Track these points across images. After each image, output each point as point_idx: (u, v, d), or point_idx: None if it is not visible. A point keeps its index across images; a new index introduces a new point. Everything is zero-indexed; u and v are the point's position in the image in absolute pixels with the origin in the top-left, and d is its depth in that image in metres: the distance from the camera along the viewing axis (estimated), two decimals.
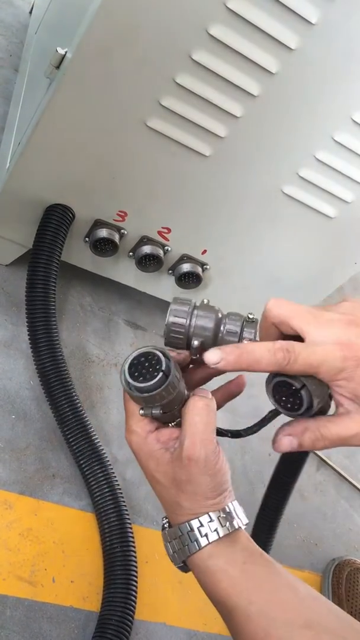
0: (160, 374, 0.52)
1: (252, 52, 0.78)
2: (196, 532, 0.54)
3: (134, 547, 0.89)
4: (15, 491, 0.88)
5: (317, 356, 0.52)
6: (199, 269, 1.12)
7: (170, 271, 1.13)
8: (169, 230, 1.05)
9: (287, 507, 1.17)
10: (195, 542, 0.54)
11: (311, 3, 0.74)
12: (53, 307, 0.99)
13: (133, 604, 0.84)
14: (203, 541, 0.54)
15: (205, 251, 1.10)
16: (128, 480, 1.01)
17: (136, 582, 0.86)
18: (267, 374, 0.56)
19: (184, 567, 0.57)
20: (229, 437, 0.62)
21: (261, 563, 0.54)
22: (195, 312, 0.59)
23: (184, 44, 0.77)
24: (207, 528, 0.54)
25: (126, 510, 0.91)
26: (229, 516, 0.55)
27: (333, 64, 0.80)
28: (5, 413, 0.95)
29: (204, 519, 0.54)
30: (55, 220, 0.98)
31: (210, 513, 0.55)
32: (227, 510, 0.55)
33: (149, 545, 0.95)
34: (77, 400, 0.97)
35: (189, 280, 1.13)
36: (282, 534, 1.12)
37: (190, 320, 0.58)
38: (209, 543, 0.54)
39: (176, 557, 0.56)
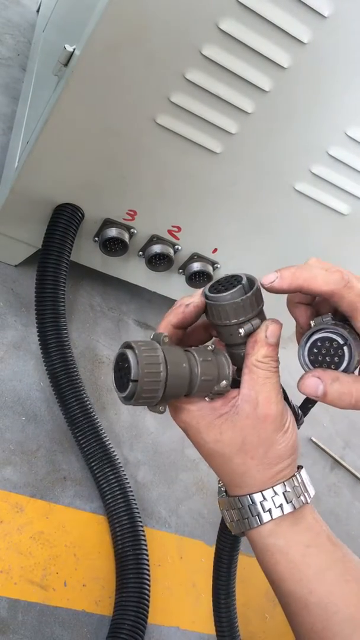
0: (239, 286, 0.48)
1: (264, 46, 0.77)
2: (258, 506, 0.49)
3: (147, 550, 0.88)
4: (26, 494, 0.87)
5: None
6: (210, 268, 1.10)
7: (180, 270, 1.12)
8: (179, 228, 1.04)
9: None
10: (256, 517, 0.49)
11: None
12: (63, 308, 0.98)
13: (146, 608, 0.83)
14: (265, 517, 0.49)
15: (216, 250, 1.09)
16: (140, 482, 1.00)
17: (149, 585, 0.85)
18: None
19: (242, 535, 0.53)
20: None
21: (326, 548, 0.49)
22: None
23: (194, 39, 0.76)
24: (270, 503, 0.49)
25: (138, 512, 0.90)
26: (295, 489, 0.50)
27: (346, 56, 0.79)
28: (15, 415, 0.94)
29: (268, 493, 0.49)
30: (64, 220, 0.97)
31: (275, 487, 0.49)
32: (294, 482, 0.50)
33: (161, 547, 0.94)
34: (88, 402, 0.96)
35: (200, 279, 1.12)
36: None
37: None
38: (272, 519, 0.49)
39: (234, 527, 0.52)
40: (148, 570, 0.86)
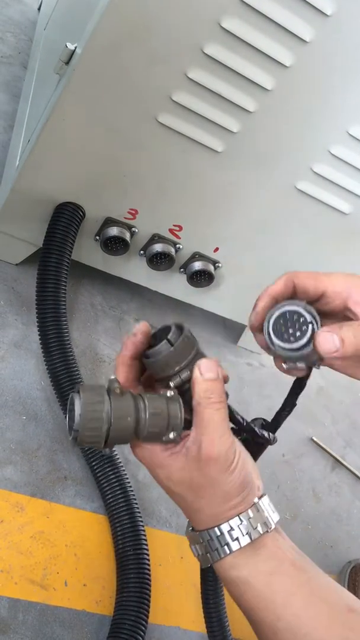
0: (164, 341, 0.51)
1: (266, 44, 0.76)
2: (216, 541, 0.50)
3: (147, 549, 0.88)
4: (26, 493, 0.87)
5: None
6: (211, 267, 1.10)
7: (181, 269, 1.12)
8: (181, 227, 1.04)
9: (301, 508, 1.16)
10: (216, 551, 0.51)
11: None
12: (64, 307, 0.98)
13: (147, 607, 0.83)
14: (224, 551, 0.50)
15: (217, 249, 1.08)
16: (140, 482, 1.00)
17: (149, 585, 0.85)
18: None
19: (213, 569, 0.53)
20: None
21: (290, 573, 0.50)
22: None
23: (195, 38, 0.76)
24: (227, 537, 0.50)
25: (139, 512, 0.90)
26: (251, 521, 0.51)
27: (348, 55, 0.78)
28: (16, 414, 0.94)
29: (224, 527, 0.50)
30: (65, 219, 0.97)
31: (230, 521, 0.50)
32: (249, 514, 0.51)
33: (162, 547, 0.94)
34: None
35: (201, 278, 1.12)
36: (297, 536, 1.11)
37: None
38: (230, 553, 0.50)
39: (202, 561, 0.53)
40: (149, 570, 0.86)
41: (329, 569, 1.11)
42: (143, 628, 0.80)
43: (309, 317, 0.51)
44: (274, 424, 0.61)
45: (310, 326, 0.50)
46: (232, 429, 0.54)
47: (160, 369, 0.52)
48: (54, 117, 0.84)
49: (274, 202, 0.99)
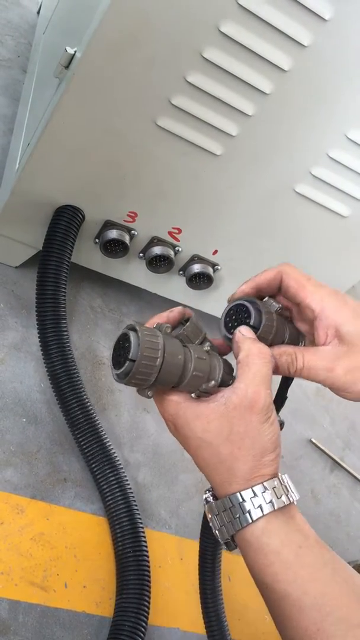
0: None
1: (264, 49, 0.77)
2: (249, 502, 0.49)
3: (147, 551, 0.88)
4: (26, 495, 0.87)
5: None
6: (210, 270, 1.10)
7: (181, 272, 1.12)
8: (180, 230, 1.04)
9: (301, 510, 1.16)
10: (247, 514, 0.49)
11: None
12: (63, 309, 0.99)
13: (146, 609, 0.83)
14: (256, 513, 0.49)
15: (216, 251, 1.09)
16: (140, 484, 1.00)
17: (149, 587, 0.85)
18: None
19: (231, 544, 0.52)
20: None
21: (317, 549, 0.49)
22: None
23: (195, 42, 0.76)
24: (261, 499, 0.49)
25: (138, 513, 0.90)
26: (283, 488, 0.50)
27: (346, 59, 0.79)
28: (16, 416, 0.94)
29: (258, 488, 0.50)
30: (65, 222, 0.97)
31: (264, 482, 0.50)
32: (281, 481, 0.51)
33: (162, 549, 0.94)
34: (88, 403, 0.96)
35: (200, 281, 1.12)
36: None
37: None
38: (263, 515, 0.49)
39: (224, 531, 0.51)
40: (148, 571, 0.86)
41: None
42: (143, 629, 0.81)
43: (248, 304, 0.56)
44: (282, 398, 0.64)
45: (251, 308, 0.55)
46: None
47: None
48: (53, 120, 0.84)
49: (272, 205, 1.00)
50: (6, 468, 0.88)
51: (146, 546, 0.88)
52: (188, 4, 0.73)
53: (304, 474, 1.24)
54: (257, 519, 0.49)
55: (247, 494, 0.50)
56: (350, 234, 1.05)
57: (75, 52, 0.79)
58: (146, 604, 0.83)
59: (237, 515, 0.50)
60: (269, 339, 0.56)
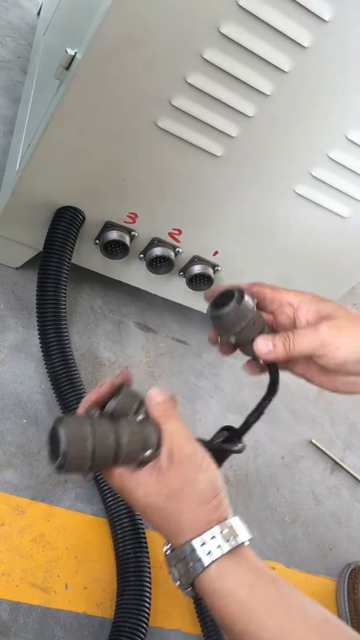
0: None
1: (265, 50, 0.77)
2: (199, 551, 0.52)
3: (148, 552, 0.88)
4: (27, 496, 0.87)
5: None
6: (210, 271, 1.10)
7: (181, 273, 1.12)
8: (180, 231, 1.04)
9: (301, 511, 1.16)
10: (199, 562, 0.52)
11: (324, 0, 0.73)
12: (64, 310, 0.99)
13: (147, 610, 0.83)
14: (207, 559, 0.52)
15: (216, 252, 1.09)
16: None
17: (150, 587, 0.85)
18: None
19: (193, 592, 0.54)
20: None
21: (271, 586, 0.52)
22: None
23: (195, 43, 0.76)
24: (210, 545, 0.52)
25: (139, 514, 0.90)
26: (231, 530, 0.53)
27: (347, 60, 0.79)
28: (16, 417, 0.94)
29: (206, 535, 0.52)
30: (65, 223, 0.97)
31: (212, 529, 0.53)
32: (229, 525, 0.53)
33: (162, 550, 0.94)
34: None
35: (201, 281, 1.12)
36: (296, 538, 1.11)
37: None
38: (214, 561, 0.52)
39: (183, 582, 0.54)
40: (149, 572, 0.86)
41: (328, 571, 1.11)
42: (143, 631, 0.80)
43: (236, 295, 0.59)
44: (244, 429, 0.65)
45: (233, 301, 0.59)
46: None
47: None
48: (54, 121, 0.84)
49: (273, 206, 1.00)
50: (6, 469, 0.88)
51: (147, 547, 0.88)
52: (188, 6, 0.73)
53: (304, 474, 1.24)
54: (208, 565, 0.51)
55: (196, 542, 0.52)
56: (350, 234, 1.05)
57: (75, 53, 0.80)
58: (147, 605, 0.83)
59: (191, 565, 0.52)
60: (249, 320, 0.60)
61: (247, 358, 0.65)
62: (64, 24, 1.13)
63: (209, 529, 0.53)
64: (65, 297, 0.99)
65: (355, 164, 0.92)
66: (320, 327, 0.59)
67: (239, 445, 0.64)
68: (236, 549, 0.52)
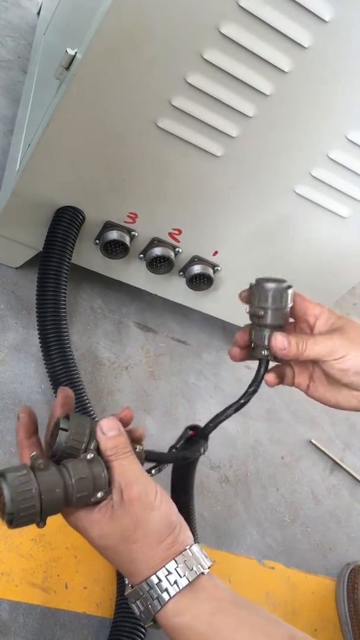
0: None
1: (265, 50, 0.77)
2: (156, 588, 0.52)
3: None
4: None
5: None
6: (210, 271, 1.10)
7: (181, 273, 1.12)
8: (180, 231, 1.04)
9: (300, 511, 1.17)
10: (157, 600, 0.52)
11: (324, 0, 0.73)
12: (64, 310, 0.99)
13: None
14: (164, 596, 0.52)
15: (216, 252, 1.09)
16: None
17: None
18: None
19: (155, 626, 0.55)
20: (156, 473, 0.64)
21: (230, 611, 0.52)
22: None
23: (195, 43, 0.76)
24: (166, 582, 0.52)
25: None
26: (187, 563, 0.53)
27: (347, 60, 0.79)
28: (16, 417, 0.94)
29: (161, 573, 0.52)
30: (65, 223, 0.97)
31: (167, 565, 0.53)
32: (184, 557, 0.53)
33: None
34: (89, 404, 0.96)
35: (200, 281, 1.12)
36: (296, 538, 1.11)
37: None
38: (171, 598, 0.52)
39: (143, 618, 0.54)
40: None
41: (328, 571, 1.12)
42: (143, 630, 0.81)
43: (288, 283, 0.65)
44: (210, 428, 0.67)
45: (285, 282, 0.65)
46: (153, 467, 0.62)
47: (71, 454, 0.57)
48: (54, 121, 0.84)
49: (272, 206, 1.00)
50: None
51: None
52: (188, 6, 0.73)
53: (304, 474, 1.24)
54: (165, 603, 0.52)
55: (152, 580, 0.53)
56: (350, 234, 1.05)
57: (75, 53, 0.80)
58: None
59: (149, 603, 0.53)
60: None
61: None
62: (64, 24, 1.13)
63: (164, 566, 0.53)
64: (65, 297, 0.99)
65: (355, 164, 0.92)
66: (333, 337, 0.63)
67: (196, 454, 0.66)
68: (194, 579, 0.52)
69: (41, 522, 0.54)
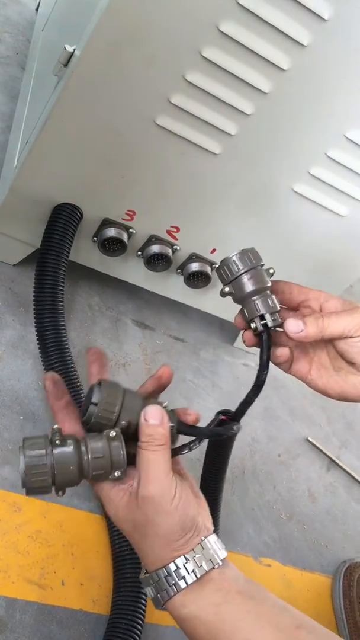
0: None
1: (264, 48, 0.77)
2: (164, 581, 0.53)
3: None
4: (24, 493, 0.87)
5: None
6: (208, 268, 1.10)
7: (179, 270, 1.12)
8: (178, 229, 1.04)
9: (297, 508, 1.17)
10: (165, 592, 0.53)
11: None
12: (61, 307, 0.99)
13: (143, 607, 0.83)
14: (172, 590, 0.53)
15: (214, 250, 1.09)
16: None
17: None
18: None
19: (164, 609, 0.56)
20: (187, 451, 0.62)
21: (237, 601, 0.52)
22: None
23: (194, 41, 0.76)
24: (174, 576, 0.53)
25: None
26: (197, 560, 0.53)
27: (346, 59, 0.79)
28: (13, 414, 0.94)
29: (171, 567, 0.53)
30: (63, 220, 0.97)
31: (176, 560, 0.53)
32: (196, 553, 0.53)
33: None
34: None
35: (198, 279, 1.12)
36: (293, 536, 1.12)
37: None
38: (177, 592, 0.52)
39: (155, 603, 0.55)
40: None
41: (324, 568, 1.12)
42: (139, 627, 0.81)
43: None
44: (242, 409, 0.65)
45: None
46: (186, 445, 0.60)
47: (101, 426, 0.57)
48: (52, 118, 0.84)
49: (271, 204, 1.00)
50: (3, 466, 0.88)
51: None
52: (188, 3, 0.73)
53: (300, 472, 1.24)
54: (174, 595, 0.53)
55: (161, 573, 0.53)
56: (348, 233, 1.05)
57: (74, 50, 0.79)
58: (143, 601, 0.83)
59: (159, 592, 0.54)
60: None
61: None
62: (62, 20, 1.13)
63: (173, 560, 0.53)
64: (62, 294, 0.99)
65: (354, 163, 0.92)
66: (355, 313, 0.59)
67: (236, 428, 0.63)
68: (202, 575, 0.53)
69: (60, 492, 0.55)
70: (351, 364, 0.61)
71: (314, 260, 1.11)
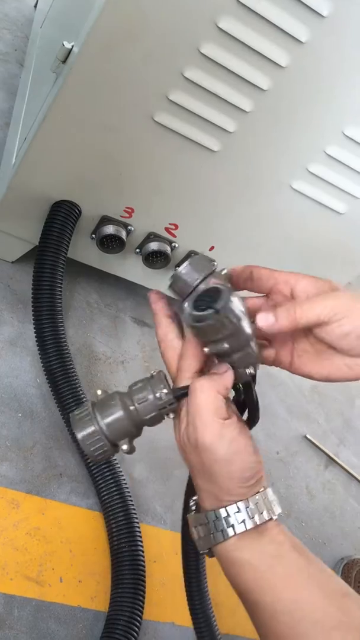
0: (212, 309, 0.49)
1: (262, 45, 0.77)
2: (222, 521, 0.52)
3: (142, 546, 0.88)
4: (22, 490, 0.87)
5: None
6: None
7: (177, 268, 1.12)
8: (176, 226, 1.04)
9: (295, 506, 1.17)
10: (221, 532, 0.52)
11: None
12: (59, 305, 0.99)
13: (141, 603, 0.83)
14: (229, 532, 0.51)
15: (212, 247, 1.09)
16: (135, 479, 1.00)
17: (144, 581, 0.85)
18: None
19: (209, 554, 0.55)
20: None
21: (290, 557, 0.51)
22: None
23: (192, 37, 0.76)
24: (234, 519, 0.51)
25: (134, 509, 0.91)
26: (258, 506, 0.52)
27: (344, 56, 0.79)
28: (11, 411, 0.94)
29: (232, 509, 0.51)
30: (61, 217, 0.97)
31: (238, 503, 0.52)
32: (256, 501, 0.52)
33: (157, 544, 0.95)
34: (84, 398, 0.96)
35: None
36: (291, 533, 1.12)
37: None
38: (235, 534, 0.51)
39: (201, 544, 0.54)
40: (143, 566, 0.87)
41: None
42: (137, 624, 0.81)
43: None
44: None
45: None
46: None
47: (204, 334, 0.51)
48: (50, 115, 0.84)
49: (269, 201, 1.00)
50: (2, 463, 0.88)
51: (141, 541, 0.88)
52: (186, 0, 0.72)
53: (298, 469, 1.24)
54: (230, 537, 0.51)
55: (221, 512, 0.52)
56: (346, 230, 1.05)
57: (72, 46, 0.79)
58: (141, 598, 0.84)
59: (212, 532, 0.52)
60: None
61: None
62: (61, 17, 1.13)
63: (235, 503, 0.52)
64: (61, 291, 0.99)
65: (352, 160, 0.92)
66: (329, 297, 0.54)
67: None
68: (260, 524, 0.52)
69: (126, 446, 0.55)
70: (332, 347, 0.56)
71: (311, 258, 1.11)
